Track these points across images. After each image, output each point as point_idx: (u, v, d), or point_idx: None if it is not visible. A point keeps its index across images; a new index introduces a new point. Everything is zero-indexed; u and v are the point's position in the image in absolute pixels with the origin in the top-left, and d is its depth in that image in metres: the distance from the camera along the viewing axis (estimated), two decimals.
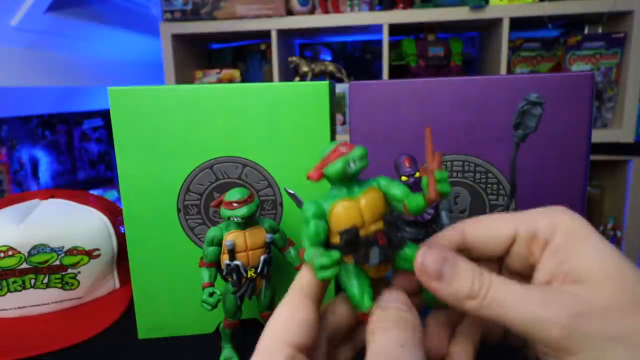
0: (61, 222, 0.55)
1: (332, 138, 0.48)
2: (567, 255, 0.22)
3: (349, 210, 0.24)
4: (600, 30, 1.45)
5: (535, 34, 1.58)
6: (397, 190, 0.25)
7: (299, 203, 0.46)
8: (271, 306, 0.43)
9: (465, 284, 0.22)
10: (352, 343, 0.27)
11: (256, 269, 0.40)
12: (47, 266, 0.54)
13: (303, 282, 0.24)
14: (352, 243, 0.24)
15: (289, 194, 0.46)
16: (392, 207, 0.25)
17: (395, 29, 1.44)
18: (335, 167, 0.24)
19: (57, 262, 0.54)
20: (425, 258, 0.23)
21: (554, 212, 0.23)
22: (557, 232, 0.23)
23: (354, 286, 0.25)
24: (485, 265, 0.24)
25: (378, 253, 0.24)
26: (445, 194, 0.23)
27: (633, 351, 0.19)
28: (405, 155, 0.41)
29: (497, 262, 0.26)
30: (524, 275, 0.25)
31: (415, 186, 0.40)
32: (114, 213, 0.60)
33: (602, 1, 1.27)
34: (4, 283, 0.53)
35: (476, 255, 0.25)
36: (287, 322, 0.22)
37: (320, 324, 0.24)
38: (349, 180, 0.25)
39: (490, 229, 0.25)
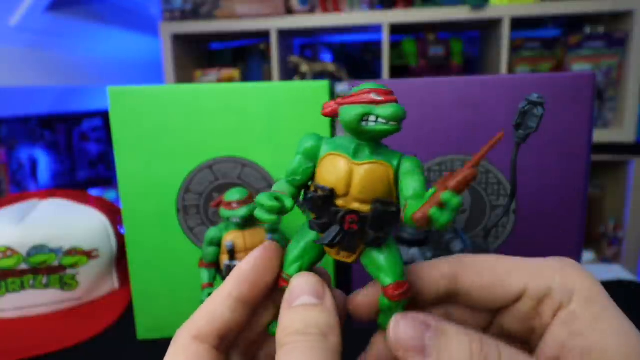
0: (60, 222, 0.55)
1: None
2: (584, 327, 0.18)
3: (337, 169, 0.19)
4: (601, 29, 1.45)
5: (535, 34, 1.57)
6: (410, 184, 0.19)
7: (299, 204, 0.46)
8: None
9: (460, 356, 0.17)
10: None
11: None
12: (46, 267, 0.54)
13: (194, 324, 0.19)
14: (317, 205, 0.19)
15: None
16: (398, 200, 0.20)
17: (395, 28, 1.43)
18: (350, 112, 0.19)
19: (56, 263, 0.54)
20: (399, 329, 0.18)
21: (569, 269, 0.19)
22: (574, 296, 0.18)
23: (294, 248, 0.21)
24: (472, 319, 0.21)
25: (334, 235, 0.19)
26: (439, 225, 0.17)
27: None
28: None
29: (489, 314, 0.21)
30: (519, 338, 0.21)
31: None
32: (113, 213, 0.60)
33: (602, 1, 1.27)
34: (3, 284, 0.53)
35: (467, 306, 0.21)
36: None
37: None
38: (366, 138, 0.19)
39: (494, 277, 0.20)
